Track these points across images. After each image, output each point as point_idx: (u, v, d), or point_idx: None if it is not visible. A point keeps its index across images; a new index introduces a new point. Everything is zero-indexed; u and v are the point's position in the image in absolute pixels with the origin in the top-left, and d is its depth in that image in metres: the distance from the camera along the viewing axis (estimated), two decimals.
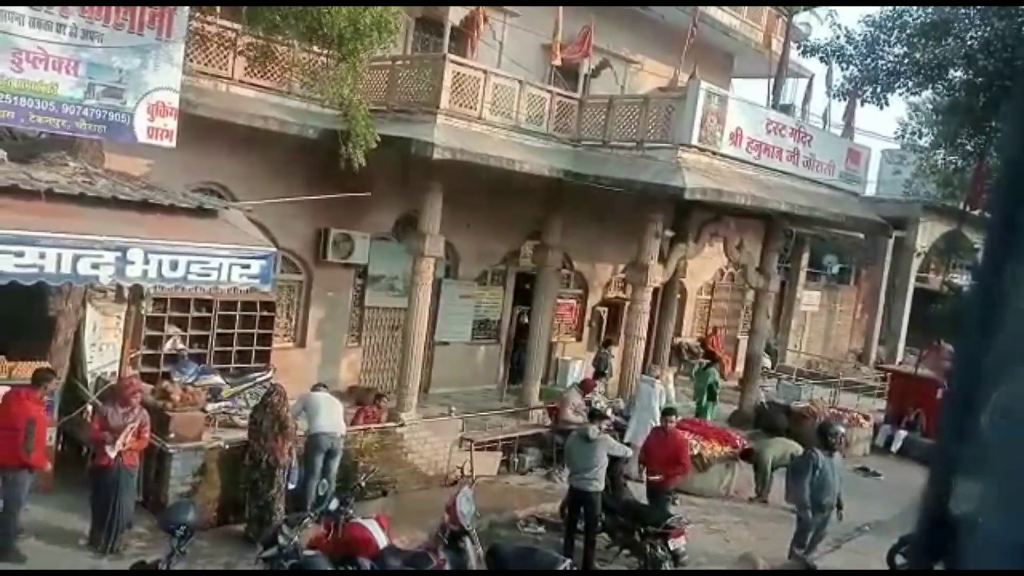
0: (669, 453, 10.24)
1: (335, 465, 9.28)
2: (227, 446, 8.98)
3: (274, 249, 8.65)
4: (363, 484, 8.27)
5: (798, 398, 17.71)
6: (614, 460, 9.91)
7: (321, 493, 7.65)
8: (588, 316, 19.35)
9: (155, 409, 9.05)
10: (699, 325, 22.99)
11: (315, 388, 10.49)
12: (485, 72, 12.38)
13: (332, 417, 9.42)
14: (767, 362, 23.04)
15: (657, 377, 12.82)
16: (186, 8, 8.78)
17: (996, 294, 1.10)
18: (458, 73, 12.00)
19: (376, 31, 8.80)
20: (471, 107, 12.26)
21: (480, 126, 12.41)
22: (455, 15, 14.24)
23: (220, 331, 12.77)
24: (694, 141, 12.44)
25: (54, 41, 7.86)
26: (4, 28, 7.53)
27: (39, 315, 9.44)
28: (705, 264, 20.84)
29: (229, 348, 12.86)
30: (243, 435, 9.46)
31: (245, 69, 11.74)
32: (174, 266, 7.74)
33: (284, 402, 8.80)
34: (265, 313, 13.16)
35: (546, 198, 15.06)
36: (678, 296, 21.71)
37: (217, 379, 12.06)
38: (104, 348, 10.87)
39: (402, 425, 11.15)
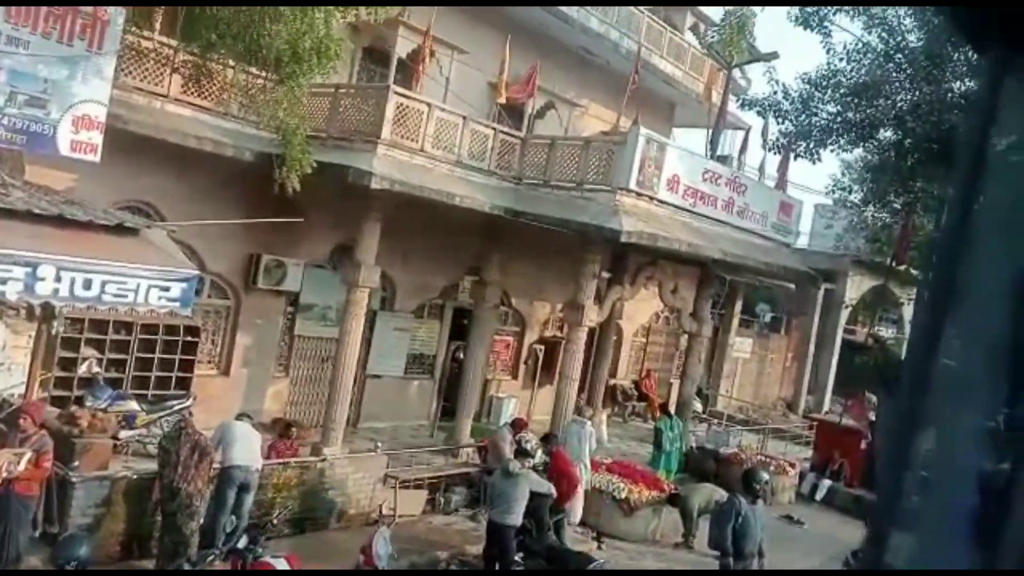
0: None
1: (249, 500, 8.92)
2: (135, 476, 8.55)
3: (196, 272, 8.36)
4: (275, 521, 7.94)
5: (727, 443, 17.85)
6: (539, 501, 9.77)
7: (229, 530, 7.30)
8: (525, 354, 19.28)
9: (61, 435, 8.60)
10: (634, 367, 23.13)
11: (238, 417, 10.13)
12: (429, 105, 12.35)
13: (248, 450, 9.09)
14: (698, 406, 23.27)
15: (589, 418, 12.75)
16: (120, 20, 8.52)
17: (928, 354, 1.14)
18: (401, 104, 11.94)
19: (316, 56, 8.67)
20: (413, 139, 12.19)
21: (422, 159, 12.33)
22: (403, 47, 14.23)
23: (140, 355, 12.27)
24: (632, 185, 12.56)
25: None
26: None
27: None
28: (641, 307, 21.02)
29: (148, 373, 12.37)
30: (155, 465, 9.09)
31: (182, 87, 11.49)
32: (88, 285, 7.40)
33: (198, 431, 8.45)
34: (188, 338, 12.71)
35: (486, 234, 15.03)
36: (614, 338, 21.87)
37: (133, 405, 11.54)
38: (12, 368, 10.36)
39: (323, 460, 10.82)
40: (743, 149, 18.18)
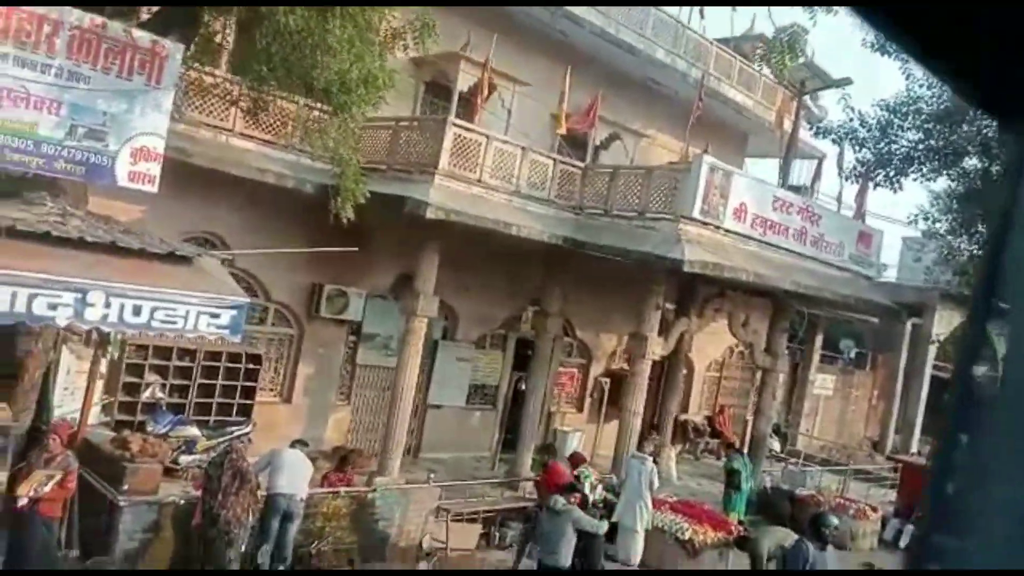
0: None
1: (292, 529, 8.86)
2: (182, 501, 8.60)
3: (246, 300, 8.41)
4: (313, 552, 7.83)
5: (804, 484, 16.99)
6: (589, 541, 9.40)
7: (260, 560, 7.22)
8: (590, 387, 18.90)
9: (111, 459, 8.76)
10: (707, 403, 22.40)
11: (292, 445, 10.11)
12: (487, 136, 12.31)
13: (294, 478, 9.04)
14: (776, 445, 22.35)
15: (651, 454, 12.30)
16: (178, 56, 8.76)
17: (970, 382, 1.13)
18: (459, 136, 11.94)
19: (364, 86, 8.71)
20: (471, 170, 12.16)
21: (479, 189, 12.27)
22: (464, 80, 14.27)
23: (203, 381, 12.50)
24: (696, 214, 12.20)
25: (38, 80, 7.83)
26: None
27: (7, 356, 9.23)
28: (713, 340, 20.39)
29: (211, 400, 12.58)
30: None
31: (245, 121, 11.76)
32: (137, 311, 7.51)
33: (243, 458, 8.45)
34: (251, 366, 12.89)
35: (547, 265, 14.85)
36: (684, 372, 21.27)
37: (193, 431, 11.75)
38: (76, 392, 10.62)
39: (373, 490, 10.71)
40: (816, 177, 17.53)
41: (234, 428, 12.20)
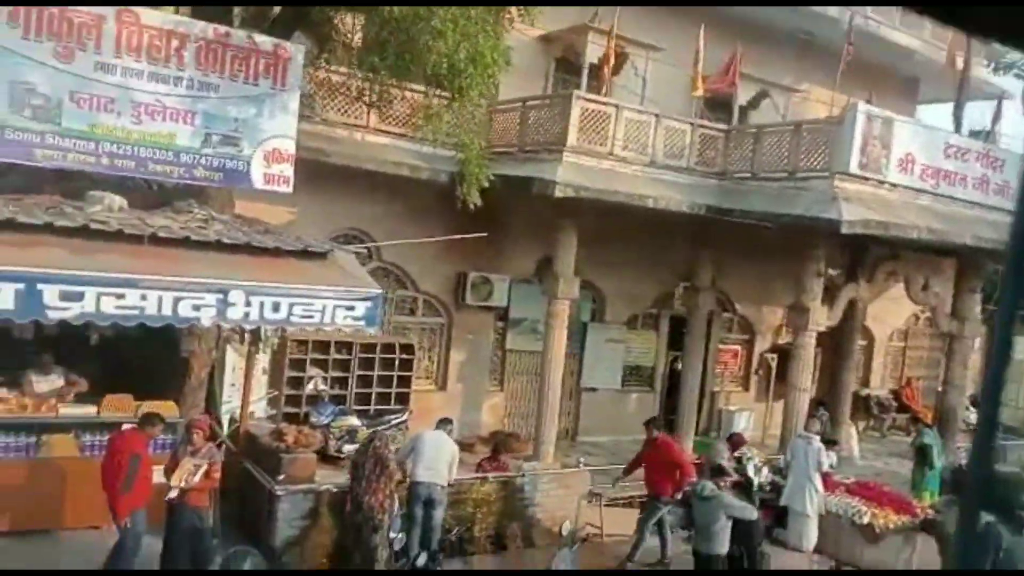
0: (662, 461, 10.15)
1: (437, 515, 8.88)
2: (335, 489, 8.85)
3: (379, 291, 8.52)
4: (465, 537, 7.80)
5: (1004, 460, 15.23)
6: (747, 526, 8.79)
7: (397, 548, 7.24)
8: (755, 364, 17.93)
9: (269, 451, 9.15)
10: (891, 375, 20.68)
11: (439, 424, 10.09)
12: (616, 107, 11.84)
13: (433, 464, 9.06)
14: (974, 418, 20.29)
15: (818, 433, 11.39)
16: (300, 57, 9.00)
17: None
18: (586, 109, 11.57)
19: (472, 65, 8.56)
20: (601, 144, 11.75)
21: (612, 163, 11.84)
22: (593, 52, 13.86)
23: (360, 373, 12.88)
24: (853, 169, 11.16)
25: (171, 93, 8.28)
26: (125, 84, 8.01)
27: (172, 357, 9.87)
28: (895, 307, 18.78)
29: (369, 390, 12.95)
30: None
31: (379, 117, 11.96)
32: (276, 307, 7.78)
33: (385, 445, 8.55)
34: (405, 356, 13.15)
35: (696, 238, 14.15)
36: (863, 343, 19.75)
37: (354, 420, 12.12)
38: (242, 388, 11.24)
39: (522, 476, 10.59)
40: (996, 118, 15.58)
41: (391, 416, 12.51)
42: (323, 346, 12.54)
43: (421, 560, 6.94)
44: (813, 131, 11.79)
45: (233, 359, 11.03)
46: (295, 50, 8.97)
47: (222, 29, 8.53)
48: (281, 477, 8.72)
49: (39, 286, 6.65)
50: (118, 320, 7.07)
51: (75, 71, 7.78)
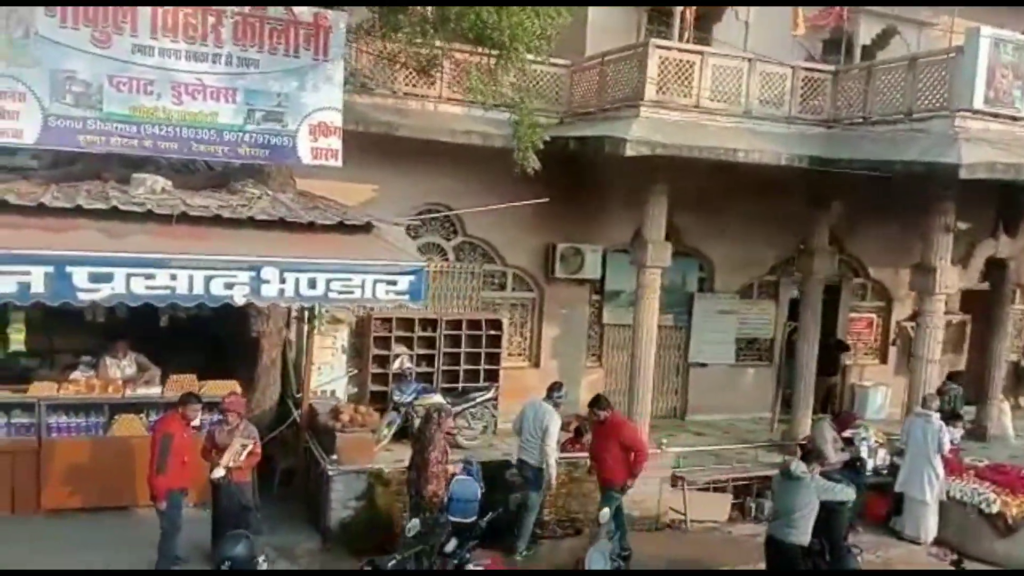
0: (614, 445, 8.69)
1: (532, 498, 8.65)
2: (387, 470, 8.61)
3: (422, 264, 8.15)
4: (483, 524, 7.32)
5: None
6: (833, 516, 7.77)
7: (409, 534, 6.84)
8: (893, 333, 16.23)
9: (325, 430, 9.03)
10: None
11: (549, 389, 9.58)
12: (701, 54, 10.82)
13: (528, 439, 8.86)
14: None
15: (940, 410, 10.01)
16: (342, 24, 8.71)
17: None
18: (666, 59, 10.63)
19: (512, 20, 7.96)
20: (686, 95, 10.77)
21: (698, 115, 10.85)
22: None
23: (447, 350, 12.64)
24: (978, 105, 9.63)
25: (211, 72, 8.22)
26: (163, 65, 8.01)
27: (244, 337, 9.96)
28: None
29: (457, 367, 12.70)
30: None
31: (450, 88, 11.53)
32: (312, 284, 7.57)
33: (441, 424, 8.14)
34: (492, 332, 12.78)
35: (813, 195, 12.82)
36: (1021, 307, 17.49)
37: (438, 398, 11.88)
38: (323, 367, 11.26)
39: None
40: None
41: (476, 394, 12.20)
42: (408, 323, 12.37)
43: (450, 546, 6.52)
44: (931, 64, 10.24)
45: (316, 338, 11.02)
46: (335, 18, 8.69)
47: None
48: (334, 457, 8.55)
49: (68, 268, 6.73)
50: (149, 300, 7.07)
51: (113, 55, 7.86)
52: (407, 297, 8.02)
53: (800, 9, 11.70)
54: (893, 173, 9.93)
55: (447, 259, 13.08)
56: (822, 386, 14.62)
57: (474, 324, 12.71)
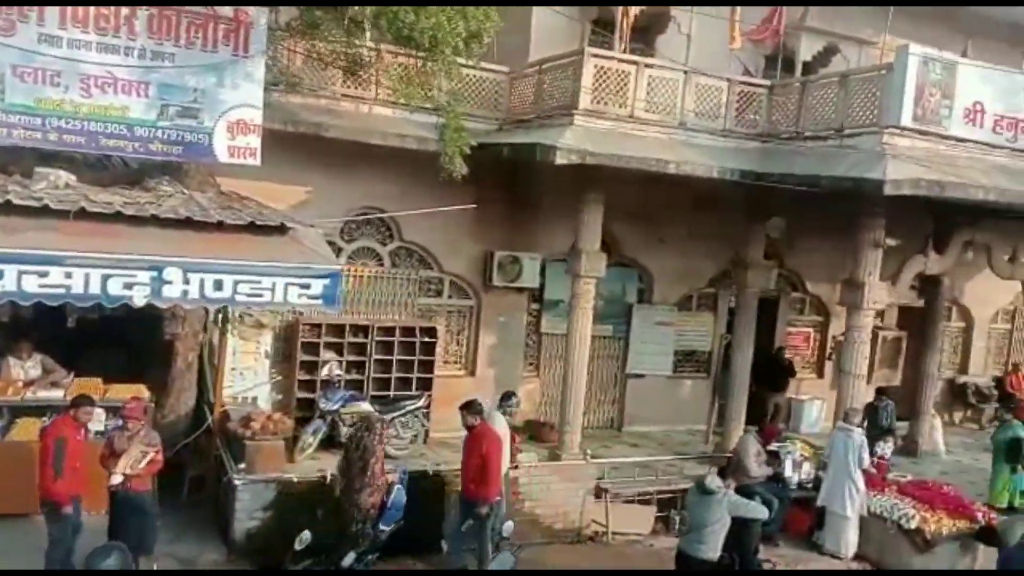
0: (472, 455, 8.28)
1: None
2: (295, 479, 8.36)
3: (338, 267, 7.93)
4: (384, 536, 7.14)
5: None
6: (745, 529, 7.72)
7: (298, 547, 6.62)
8: (829, 348, 16.34)
9: (235, 438, 8.77)
10: (995, 361, 18.52)
11: (501, 399, 9.59)
12: (636, 64, 10.78)
13: None
14: None
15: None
16: (263, 21, 8.49)
17: None
18: (601, 68, 10.58)
19: (435, 31, 7.83)
20: (621, 105, 10.72)
21: (632, 126, 10.80)
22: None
23: (379, 357, 12.39)
24: (906, 122, 9.71)
25: (122, 64, 7.94)
26: (72, 56, 7.71)
27: (159, 340, 9.64)
28: (999, 285, 16.67)
29: (389, 375, 12.45)
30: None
31: (386, 89, 11.32)
32: (219, 286, 7.31)
33: (376, 434, 7.94)
34: (426, 339, 12.57)
35: (750, 209, 12.86)
36: (960, 326, 17.79)
37: (366, 406, 11.65)
38: (245, 373, 10.97)
39: (515, 467, 9.79)
40: None
41: (406, 403, 11.98)
42: (338, 329, 12.12)
43: (347, 561, 6.31)
44: (862, 81, 10.33)
45: (234, 342, 10.73)
46: (256, 14, 8.46)
47: None
48: (241, 466, 8.28)
49: None
50: (42, 299, 6.76)
51: (17, 44, 7.54)
52: (320, 302, 7.80)
53: (737, 23, 11.72)
54: (821, 188, 9.95)
55: (382, 264, 12.85)
56: (768, 402, 14.68)
57: (408, 331, 12.49)
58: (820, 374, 16.47)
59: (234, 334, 10.20)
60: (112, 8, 7.81)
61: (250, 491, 8.25)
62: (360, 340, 12.30)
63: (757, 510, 7.59)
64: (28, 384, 8.67)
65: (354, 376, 12.25)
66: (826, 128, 10.67)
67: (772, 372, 14.66)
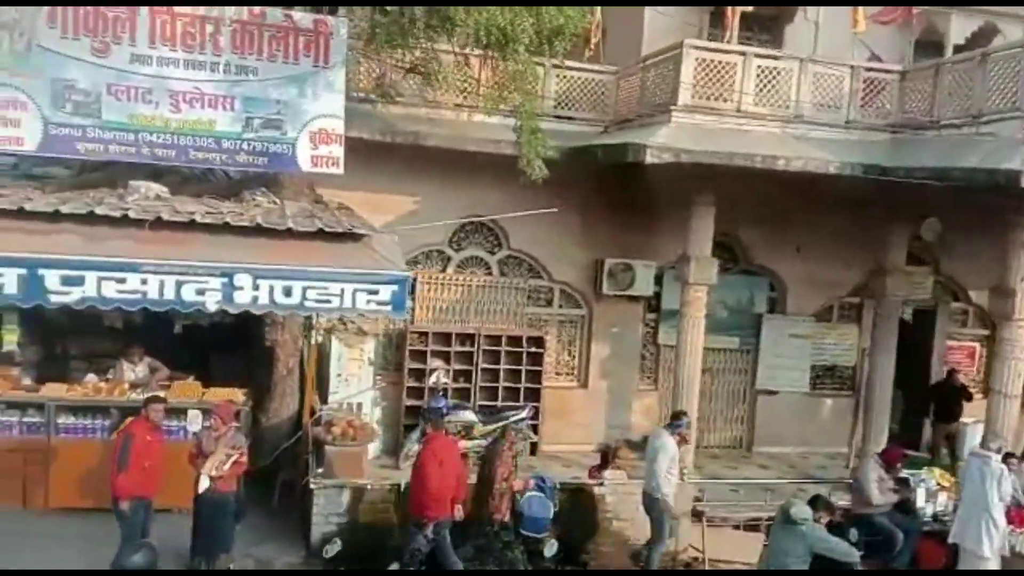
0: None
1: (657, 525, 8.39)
2: (370, 487, 8.34)
3: (406, 273, 7.85)
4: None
5: None
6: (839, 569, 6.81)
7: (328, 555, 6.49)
8: None
9: (317, 442, 8.87)
10: None
11: (673, 417, 9.29)
12: (742, 54, 10.02)
13: (649, 468, 8.74)
14: None
15: (999, 450, 8.71)
16: (343, 31, 8.60)
17: None
18: (703, 60, 9.91)
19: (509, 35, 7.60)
20: (727, 99, 10.00)
21: (740, 120, 10.05)
22: None
23: (486, 366, 12.27)
24: None
25: (209, 80, 8.29)
26: (161, 73, 8.15)
27: (260, 346, 9.98)
28: None
29: (496, 384, 12.30)
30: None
31: (485, 97, 11.21)
32: (288, 292, 7.45)
33: (507, 446, 8.31)
34: (534, 349, 12.31)
35: (890, 209, 11.64)
36: None
37: (469, 416, 11.58)
38: (350, 379, 11.14)
39: (600, 484, 9.26)
40: None
41: (510, 413, 11.75)
42: (445, 338, 12.12)
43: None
44: (1003, 60, 9.00)
45: (338, 349, 10.95)
46: (336, 24, 8.60)
47: (257, 9, 8.38)
48: (319, 470, 8.35)
49: (40, 271, 6.88)
50: (121, 304, 7.14)
51: (112, 64, 8.08)
52: (389, 308, 7.77)
53: (860, 8, 10.62)
54: (952, 182, 8.76)
55: (491, 273, 12.73)
56: (940, 434, 13.24)
57: (515, 340, 12.29)
58: (986, 392, 14.58)
59: (342, 341, 10.39)
60: (198, 25, 8.19)
61: (325, 496, 8.31)
62: (467, 349, 12.24)
63: (845, 551, 6.68)
64: (135, 386, 9.20)
65: (461, 384, 12.22)
66: (963, 115, 9.41)
67: (946, 398, 13.11)
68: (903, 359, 13.82)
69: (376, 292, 7.67)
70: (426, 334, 12.05)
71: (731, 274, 13.36)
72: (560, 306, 13.05)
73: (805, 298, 13.59)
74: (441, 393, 11.73)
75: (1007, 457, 9.34)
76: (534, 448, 12.12)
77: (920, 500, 9.16)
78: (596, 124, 12.10)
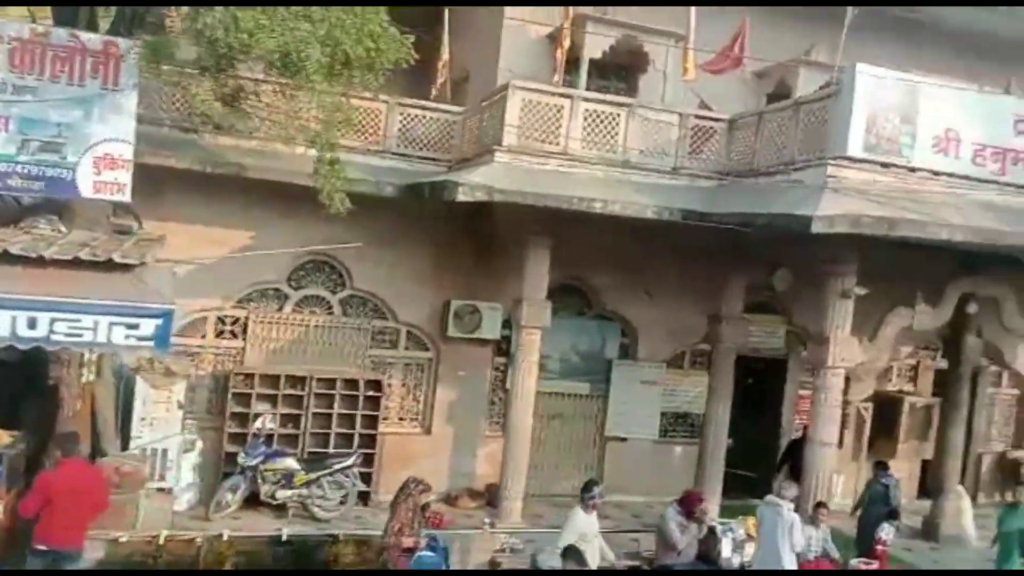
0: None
1: None
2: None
3: (171, 307, 7.30)
4: None
5: None
6: None
7: None
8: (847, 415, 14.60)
9: None
10: None
11: (583, 489, 8.49)
12: (570, 97, 9.98)
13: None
14: None
15: (793, 499, 8.59)
16: (133, 54, 8.18)
17: None
18: (529, 101, 9.82)
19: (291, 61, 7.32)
20: (553, 142, 9.91)
21: (566, 163, 9.96)
22: (593, 45, 12.03)
23: (317, 410, 11.76)
24: (855, 152, 8.48)
25: None
26: None
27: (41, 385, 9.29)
28: None
29: (328, 430, 11.79)
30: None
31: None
32: (32, 324, 6.82)
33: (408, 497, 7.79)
34: (371, 392, 11.86)
35: (734, 257, 11.65)
36: (1014, 392, 15.74)
37: (291, 463, 11.02)
38: (156, 423, 10.48)
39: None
40: None
41: (335, 460, 11.22)
42: (273, 380, 11.57)
43: None
44: (813, 108, 9.15)
45: (144, 391, 10.32)
46: (127, 46, 8.18)
47: (40, 28, 7.94)
48: None
49: None
50: None
51: None
52: (152, 343, 7.21)
53: (690, 55, 10.72)
54: (758, 228, 8.78)
55: (332, 313, 12.29)
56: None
57: (351, 383, 11.82)
58: (840, 443, 14.68)
59: (147, 380, 9.78)
60: None
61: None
62: (298, 392, 11.71)
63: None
64: None
65: (290, 430, 11.66)
66: (778, 163, 9.51)
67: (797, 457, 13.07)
68: (755, 408, 13.92)
69: (136, 326, 7.11)
70: (252, 376, 11.50)
71: (584, 319, 13.29)
72: (406, 348, 12.66)
73: (656, 345, 13.53)
74: (262, 440, 11.15)
75: (817, 507, 9.30)
76: (365, 497, 11.58)
77: (726, 551, 8.95)
78: (443, 164, 11.93)
